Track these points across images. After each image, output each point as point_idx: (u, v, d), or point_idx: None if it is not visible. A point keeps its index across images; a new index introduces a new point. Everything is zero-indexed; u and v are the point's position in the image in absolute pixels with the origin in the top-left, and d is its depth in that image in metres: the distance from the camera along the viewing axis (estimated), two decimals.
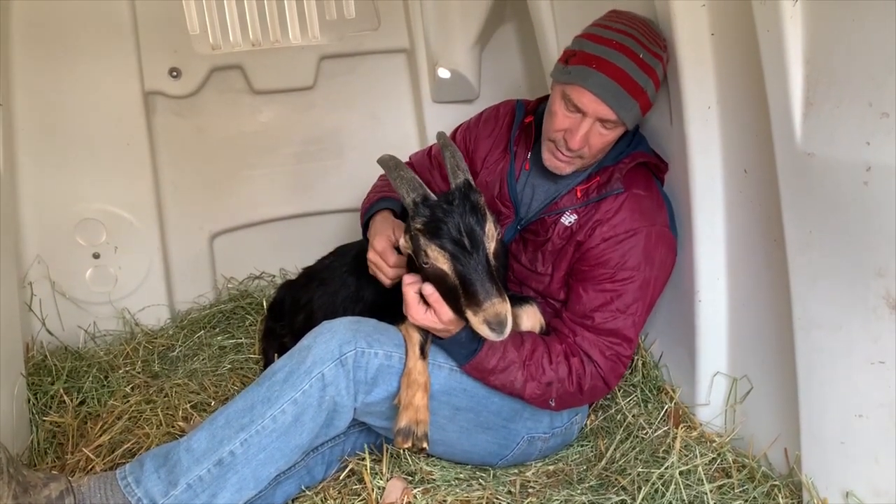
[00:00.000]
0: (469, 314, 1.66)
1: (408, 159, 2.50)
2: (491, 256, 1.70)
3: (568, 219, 2.02)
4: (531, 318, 1.94)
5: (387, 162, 1.83)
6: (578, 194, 2.02)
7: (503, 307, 1.63)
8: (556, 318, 2.03)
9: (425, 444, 1.73)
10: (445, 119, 3.25)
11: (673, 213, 2.07)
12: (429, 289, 1.72)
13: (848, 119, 1.48)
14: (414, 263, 1.84)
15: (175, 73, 3.00)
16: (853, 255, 1.52)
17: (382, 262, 2.01)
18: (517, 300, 1.97)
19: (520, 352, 1.87)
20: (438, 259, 1.70)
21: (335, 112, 3.34)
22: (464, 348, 1.84)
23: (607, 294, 1.93)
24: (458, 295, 1.68)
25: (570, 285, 2.02)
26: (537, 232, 2.07)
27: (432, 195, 1.75)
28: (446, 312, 1.73)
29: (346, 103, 3.36)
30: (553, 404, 1.92)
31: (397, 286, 1.98)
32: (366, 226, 2.24)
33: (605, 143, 1.96)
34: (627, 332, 1.94)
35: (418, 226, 1.72)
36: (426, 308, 1.75)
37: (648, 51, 1.88)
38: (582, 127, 1.91)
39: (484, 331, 1.64)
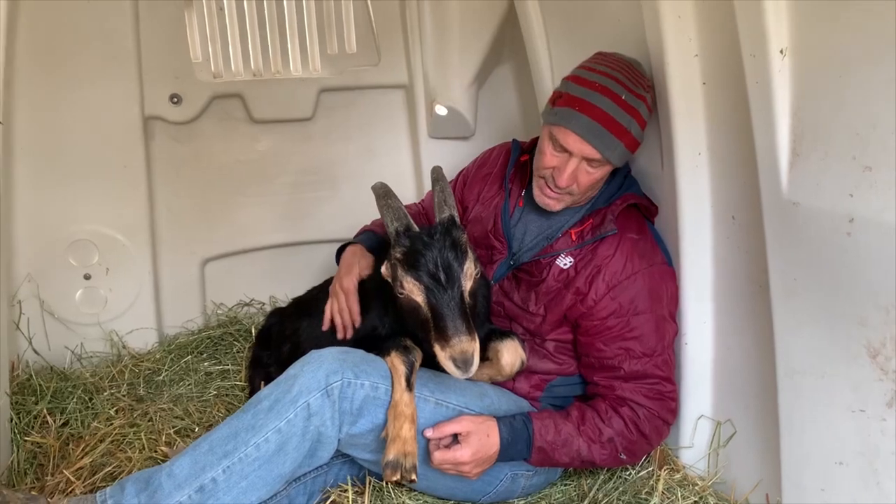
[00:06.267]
0: (437, 348, 1.69)
1: (420, 199, 2.61)
2: (466, 294, 1.74)
3: (563, 261, 2.04)
4: (511, 353, 1.94)
5: (377, 189, 1.88)
6: (573, 237, 2.05)
7: (471, 346, 1.66)
8: (588, 383, 2.06)
9: (414, 477, 1.73)
10: (441, 154, 3.30)
11: (666, 248, 2.11)
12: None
13: (832, 171, 1.52)
14: (391, 289, 1.87)
15: (176, 100, 3.03)
16: (836, 304, 1.55)
17: (345, 304, 2.14)
18: (498, 334, 1.99)
19: (570, 420, 1.92)
20: (413, 291, 1.73)
21: (332, 144, 3.37)
22: (518, 442, 1.87)
23: (627, 342, 1.96)
24: (429, 328, 1.71)
25: (586, 343, 2.03)
26: (531, 272, 2.09)
27: (415, 227, 1.78)
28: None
29: (343, 136, 3.39)
30: (625, 458, 1.95)
31: (385, 318, 2.01)
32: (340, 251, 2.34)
33: (592, 180, 1.99)
34: (660, 372, 1.97)
35: (398, 255, 1.75)
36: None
37: (631, 92, 1.92)
38: (569, 166, 1.95)
39: (449, 367, 1.67)
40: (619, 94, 1.90)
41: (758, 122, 1.68)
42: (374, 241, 2.32)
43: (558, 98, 1.98)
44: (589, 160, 1.94)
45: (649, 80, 2.01)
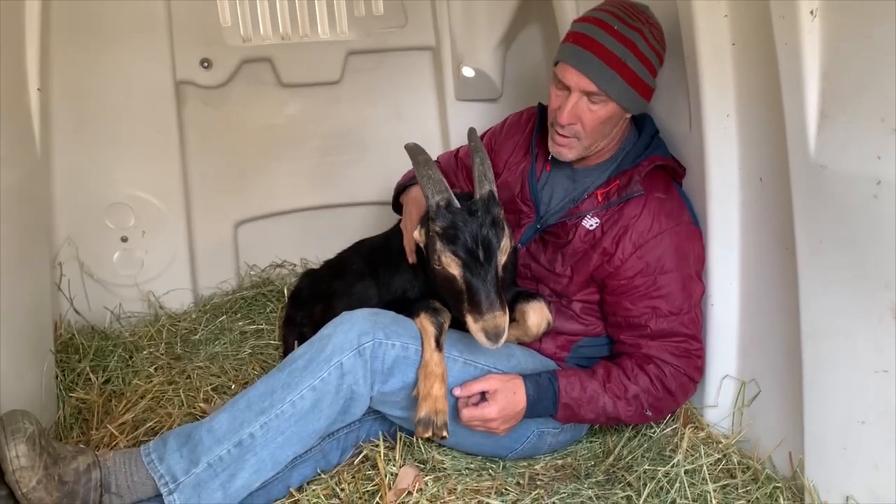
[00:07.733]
0: (469, 319, 1.75)
1: (435, 159, 2.56)
2: (500, 269, 1.78)
3: (589, 222, 2.06)
4: (537, 314, 1.98)
5: (415, 155, 1.88)
6: (599, 198, 2.06)
7: (503, 320, 1.72)
8: (615, 342, 2.09)
9: (445, 433, 1.79)
10: (468, 117, 3.30)
11: (693, 210, 2.11)
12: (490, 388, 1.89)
13: (860, 133, 1.51)
14: (421, 253, 1.92)
15: (206, 64, 3.06)
16: (861, 266, 1.55)
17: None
18: (525, 296, 2.03)
19: (595, 378, 1.96)
20: (451, 265, 1.77)
21: (360, 107, 3.39)
22: (544, 399, 1.92)
23: (654, 301, 1.98)
24: (462, 299, 1.77)
25: (612, 303, 2.05)
26: (558, 234, 2.11)
27: (456, 202, 1.80)
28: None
29: (370, 98, 3.41)
30: (650, 414, 2.00)
31: (414, 281, 2.07)
32: (398, 196, 2.37)
33: (596, 119, 1.96)
34: (686, 330, 1.99)
35: (437, 229, 1.78)
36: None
37: (624, 23, 1.91)
38: (569, 101, 1.95)
39: (480, 337, 1.73)
40: (610, 24, 1.90)
41: (786, 83, 1.67)
42: None
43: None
44: (588, 94, 1.93)
45: (654, 20, 1.99)
